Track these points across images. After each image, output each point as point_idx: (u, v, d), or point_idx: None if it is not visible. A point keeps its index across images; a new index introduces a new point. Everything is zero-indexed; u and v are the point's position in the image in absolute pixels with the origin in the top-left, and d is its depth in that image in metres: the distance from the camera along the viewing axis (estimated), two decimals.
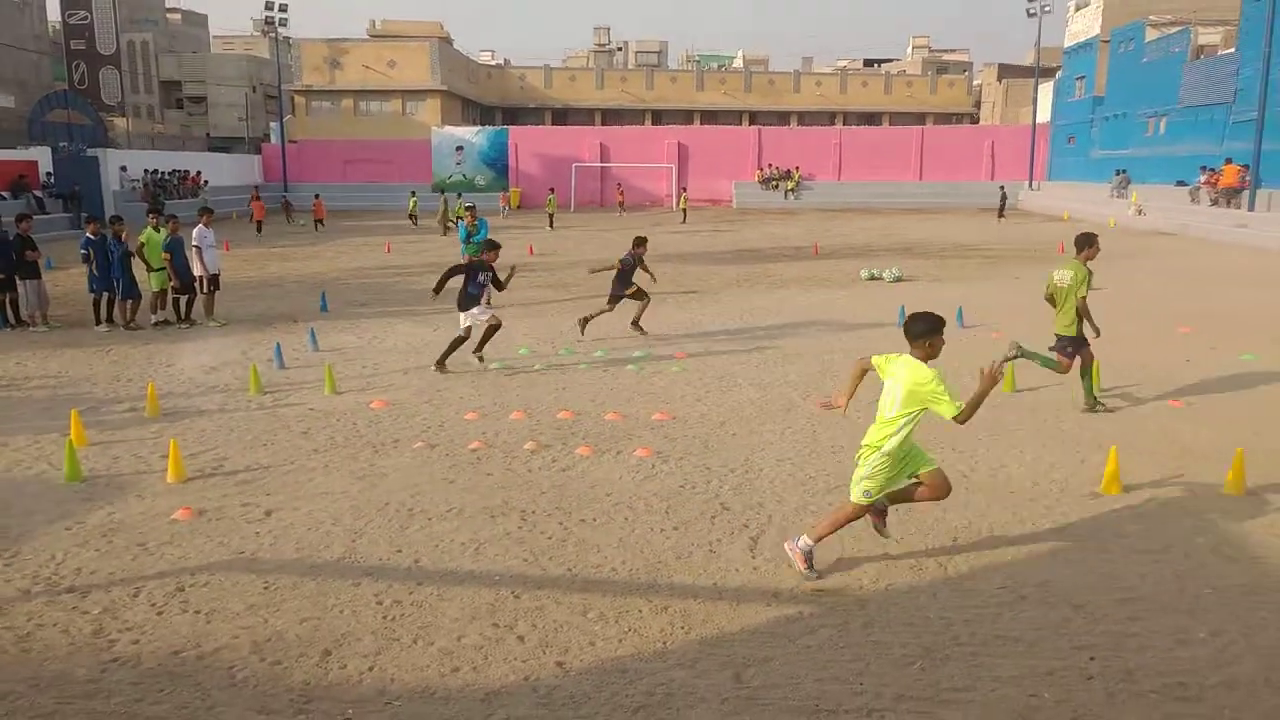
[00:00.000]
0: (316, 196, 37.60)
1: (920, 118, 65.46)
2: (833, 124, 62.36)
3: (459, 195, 39.22)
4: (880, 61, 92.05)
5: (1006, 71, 71.99)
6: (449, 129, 52.77)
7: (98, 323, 14.05)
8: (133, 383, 10.57)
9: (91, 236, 13.88)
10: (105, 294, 14.00)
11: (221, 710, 4.15)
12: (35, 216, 30.61)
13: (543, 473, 7.40)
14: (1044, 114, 52.55)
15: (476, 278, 11.11)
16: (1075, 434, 8.33)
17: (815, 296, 17.28)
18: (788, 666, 4.50)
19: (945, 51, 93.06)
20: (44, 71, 55.20)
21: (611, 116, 64.27)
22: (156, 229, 14.13)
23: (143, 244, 13.98)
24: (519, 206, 48.45)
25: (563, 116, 65.46)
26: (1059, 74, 53.49)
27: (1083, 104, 48.57)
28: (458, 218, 34.94)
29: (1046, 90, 53.49)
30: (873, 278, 19.54)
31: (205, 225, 14.44)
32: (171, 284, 14.09)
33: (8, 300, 14.15)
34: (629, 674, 4.45)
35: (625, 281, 12.94)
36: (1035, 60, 52.67)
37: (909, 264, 22.22)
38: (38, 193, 33.17)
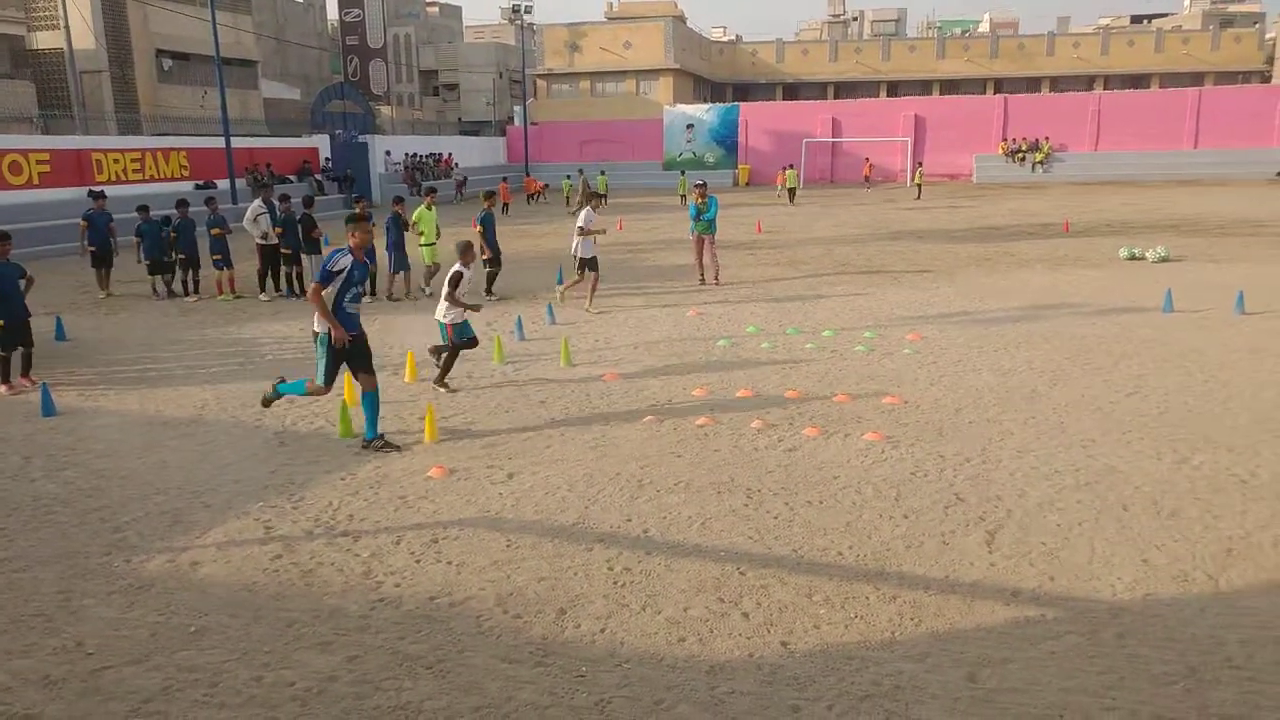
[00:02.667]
0: (504, 179, 38.26)
1: (1198, 78, 58.53)
2: (1091, 89, 57.15)
3: (683, 172, 39.79)
4: (1151, 17, 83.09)
5: None
6: (680, 107, 53.44)
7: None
8: (394, 349, 11.60)
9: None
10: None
11: (470, 655, 4.50)
12: (316, 198, 34.38)
13: (769, 452, 7.39)
14: None
15: None
16: None
17: (1064, 277, 16.00)
18: (1028, 671, 4.24)
19: (1232, 2, 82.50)
20: (323, 66, 61.36)
21: (845, 90, 62.48)
22: (429, 208, 15.44)
23: (416, 220, 15.27)
24: (748, 183, 48.33)
25: (794, 91, 64.37)
26: None
27: None
28: (682, 195, 35.96)
29: None
30: (1133, 257, 17.83)
31: (593, 209, 14.73)
32: (484, 256, 15.00)
33: (295, 273, 15.95)
34: (855, 661, 4.38)
35: None
36: None
37: (1178, 242, 20.07)
38: (318, 176, 37.05)
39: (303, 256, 15.73)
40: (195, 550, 5.80)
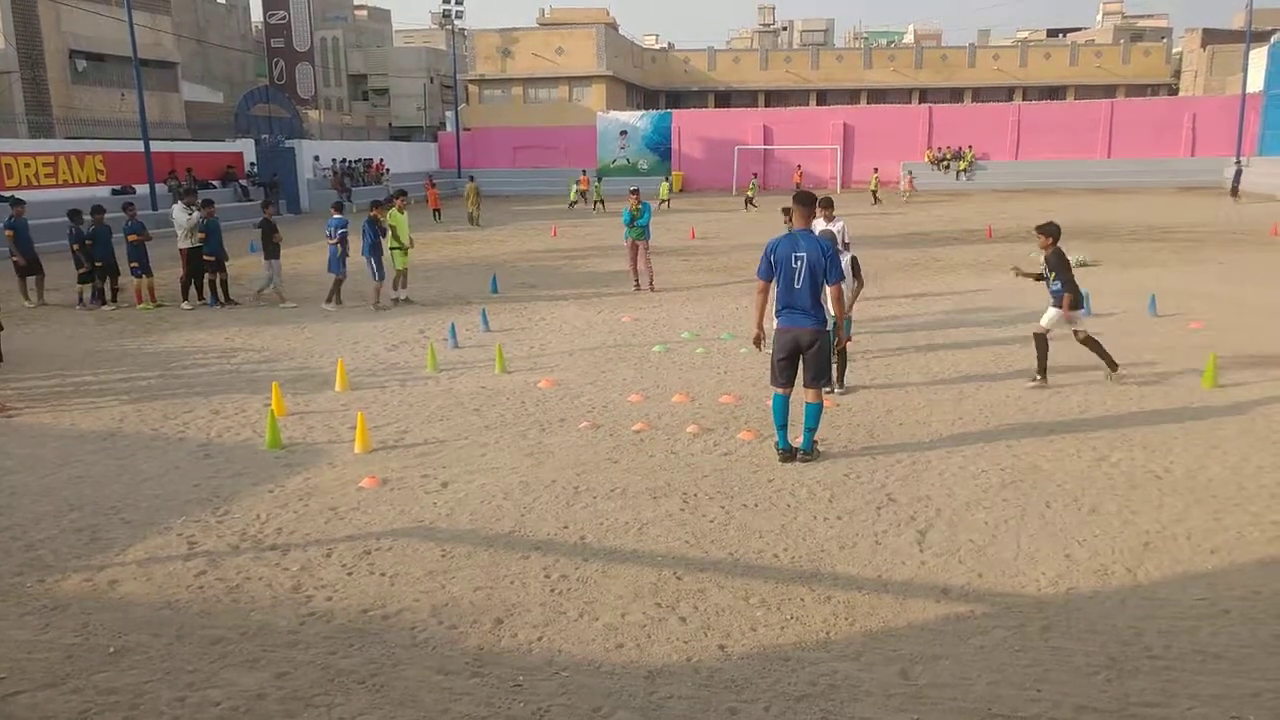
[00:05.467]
0: (435, 184, 37.50)
1: (1110, 90, 60.89)
2: (1010, 100, 59.01)
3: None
4: (1066, 31, 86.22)
5: (1212, 37, 65.79)
6: (614, 114, 53.52)
7: (327, 300, 15.03)
8: (325, 357, 11.37)
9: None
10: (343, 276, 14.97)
11: (404, 668, 4.42)
12: (240, 204, 33.48)
13: (705, 456, 7.44)
14: (1255, 83, 47.71)
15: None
16: None
17: (988, 282, 16.47)
18: (958, 666, 4.34)
19: (1141, 17, 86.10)
20: (248, 69, 59.92)
21: (775, 98, 63.34)
22: (401, 211, 15.15)
23: (391, 226, 14.86)
24: (681, 190, 48.54)
25: (726, 99, 65.03)
26: (1275, 37, 48.38)
27: None
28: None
29: (1259, 56, 48.50)
30: None
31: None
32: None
33: (219, 280, 15.49)
34: (791, 662, 4.42)
35: None
36: (1247, 22, 47.91)
37: (1094, 248, 20.80)
38: (243, 181, 36.08)
39: (267, 261, 15.30)
40: (114, 568, 5.58)
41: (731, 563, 5.52)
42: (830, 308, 7.38)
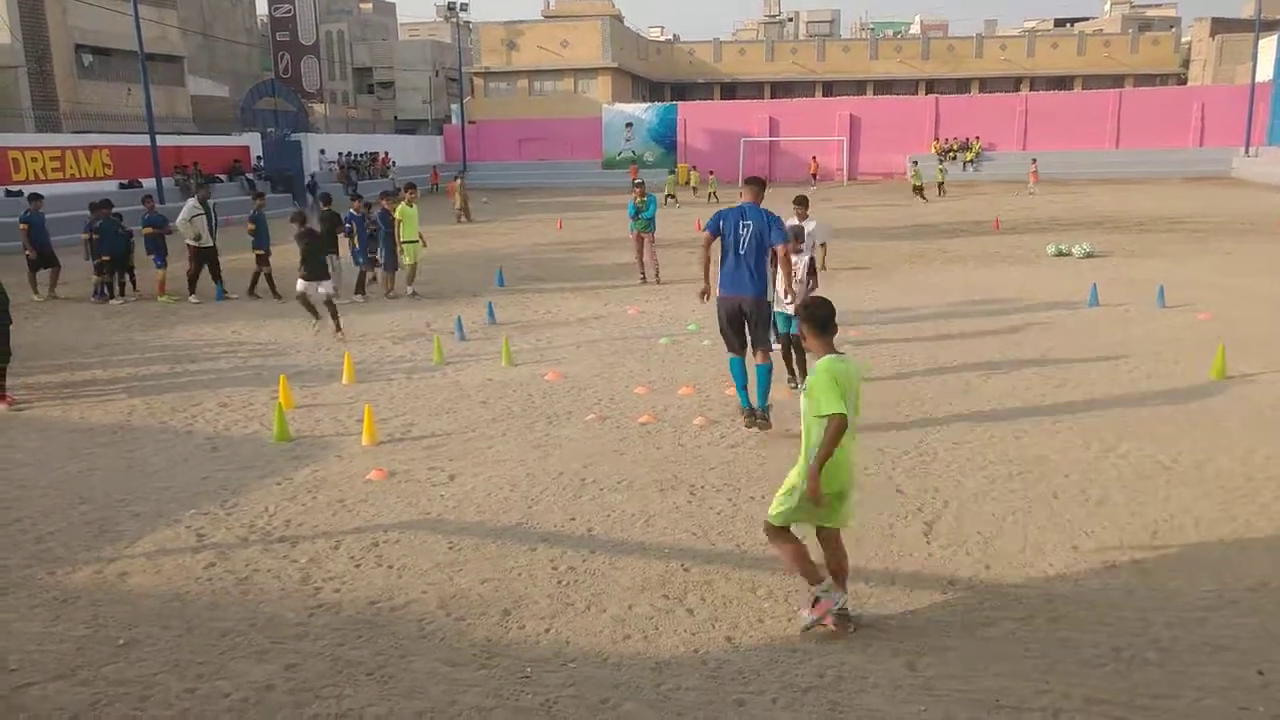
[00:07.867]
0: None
1: (1118, 80, 60.45)
2: (1018, 90, 58.69)
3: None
4: (1073, 20, 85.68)
5: (1220, 26, 65.20)
6: (619, 106, 53.42)
7: (355, 293, 15.02)
8: (332, 350, 11.39)
9: (354, 213, 14.84)
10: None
11: (413, 660, 4.44)
12: (246, 197, 33.43)
13: (711, 448, 7.44)
14: (1265, 72, 47.37)
15: None
16: None
17: (995, 274, 16.41)
18: (965, 658, 4.34)
19: (1149, 6, 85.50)
20: (253, 62, 59.88)
21: (781, 89, 63.12)
22: (410, 204, 15.15)
23: (399, 219, 14.88)
24: (687, 182, 48.50)
25: (731, 91, 64.79)
26: None
27: None
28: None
29: (1268, 45, 48.17)
30: (1060, 253, 18.34)
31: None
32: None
33: (265, 273, 15.35)
34: (799, 653, 4.42)
35: None
36: (1256, 11, 47.55)
37: (1102, 239, 20.71)
38: (249, 175, 36.10)
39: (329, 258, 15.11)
40: (123, 560, 5.61)
41: (739, 554, 5.52)
42: (778, 275, 7.84)
